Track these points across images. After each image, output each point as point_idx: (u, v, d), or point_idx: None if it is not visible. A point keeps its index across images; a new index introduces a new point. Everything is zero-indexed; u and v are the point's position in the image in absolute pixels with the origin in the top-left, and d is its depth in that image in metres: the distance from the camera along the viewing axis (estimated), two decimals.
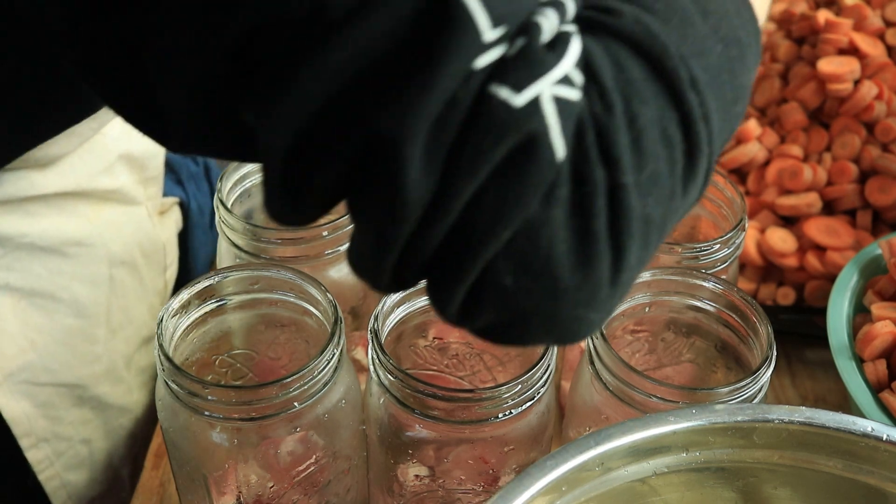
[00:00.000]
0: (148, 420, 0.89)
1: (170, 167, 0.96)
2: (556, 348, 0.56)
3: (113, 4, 0.38)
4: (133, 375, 0.86)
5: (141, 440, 0.89)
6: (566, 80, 0.35)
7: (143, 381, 0.88)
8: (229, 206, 0.67)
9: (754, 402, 0.55)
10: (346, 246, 0.66)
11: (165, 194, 0.93)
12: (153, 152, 0.86)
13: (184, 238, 0.97)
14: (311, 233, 0.64)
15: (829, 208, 0.91)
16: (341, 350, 0.57)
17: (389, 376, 0.55)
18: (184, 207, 0.96)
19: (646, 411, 0.55)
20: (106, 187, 0.81)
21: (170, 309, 0.58)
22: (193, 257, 0.97)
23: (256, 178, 0.70)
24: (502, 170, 0.34)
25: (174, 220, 0.94)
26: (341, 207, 0.39)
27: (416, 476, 0.60)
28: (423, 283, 0.39)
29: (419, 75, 0.33)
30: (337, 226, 0.65)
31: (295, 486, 0.60)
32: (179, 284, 0.96)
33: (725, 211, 0.69)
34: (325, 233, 0.64)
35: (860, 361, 0.71)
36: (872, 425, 0.48)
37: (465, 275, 0.36)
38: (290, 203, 0.38)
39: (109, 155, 0.80)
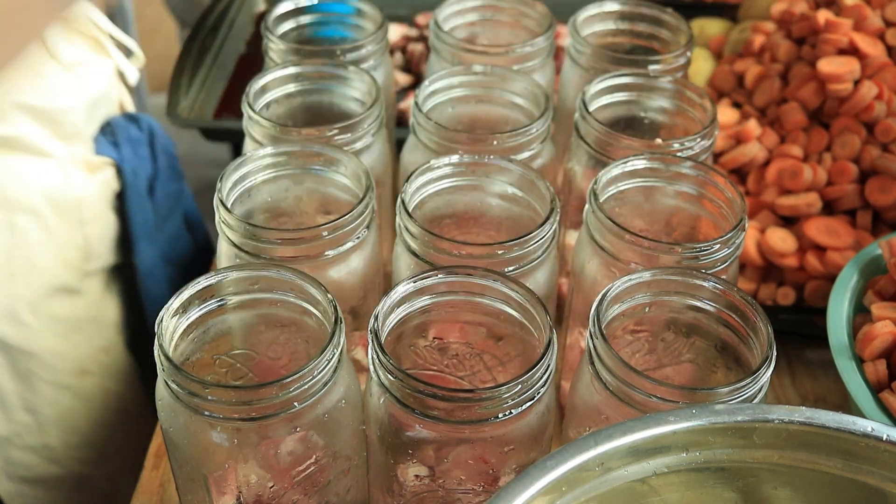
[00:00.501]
0: (75, 372, 0.93)
1: (108, 128, 0.99)
2: (556, 348, 0.56)
3: None
4: (42, 322, 0.89)
5: (69, 393, 0.93)
6: None
7: (58, 330, 0.91)
8: (229, 206, 0.67)
9: (754, 402, 0.55)
10: (346, 246, 0.66)
11: (98, 153, 0.95)
12: (67, 107, 0.89)
13: (121, 200, 0.99)
14: (311, 233, 0.64)
15: (829, 208, 0.91)
16: (341, 350, 0.57)
17: (389, 376, 0.55)
18: (119, 170, 0.97)
19: (646, 411, 0.55)
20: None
21: (170, 309, 0.58)
22: (131, 220, 0.99)
23: (256, 178, 0.70)
24: None
25: (104, 179, 0.96)
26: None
27: (416, 476, 0.60)
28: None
29: None
30: (337, 226, 0.65)
31: (295, 486, 0.60)
32: (118, 244, 1.00)
33: (725, 211, 0.69)
34: (324, 233, 0.64)
35: (860, 361, 0.71)
36: (872, 425, 0.48)
37: None
38: None
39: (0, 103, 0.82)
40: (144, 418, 1.00)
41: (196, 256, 1.13)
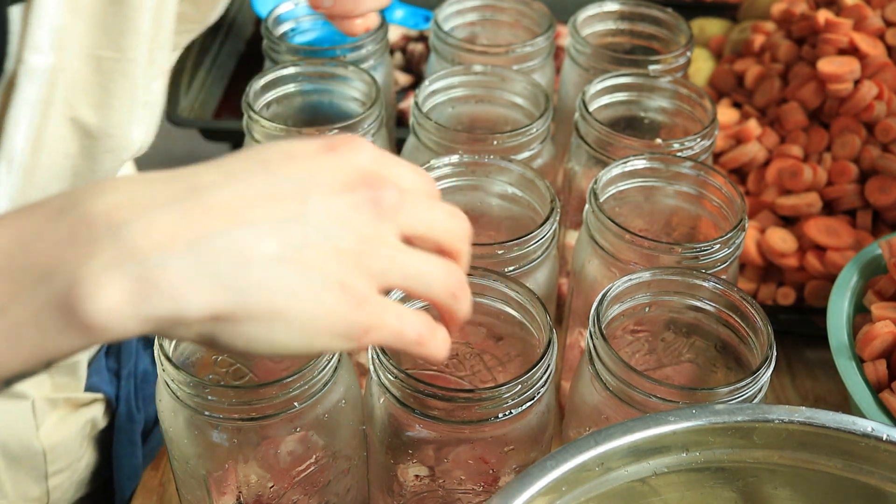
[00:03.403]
0: None
1: (114, 355, 0.81)
2: (556, 348, 0.56)
3: None
4: None
5: None
6: None
7: None
8: None
9: (754, 402, 0.55)
10: None
11: (90, 388, 0.78)
12: None
13: (106, 437, 0.82)
14: None
15: (829, 208, 0.91)
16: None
17: (389, 376, 0.55)
18: (110, 404, 0.80)
19: (646, 411, 0.55)
20: None
21: None
22: (115, 464, 0.82)
23: None
24: None
25: (88, 419, 0.79)
26: None
27: (416, 476, 0.60)
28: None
29: None
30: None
31: (295, 486, 0.60)
32: (93, 477, 0.82)
33: (725, 211, 0.69)
34: None
35: (860, 361, 0.71)
36: (872, 425, 0.48)
37: None
38: None
39: None
40: None
41: None
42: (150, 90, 0.71)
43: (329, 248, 0.40)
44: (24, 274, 0.36)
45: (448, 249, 0.45)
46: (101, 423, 0.80)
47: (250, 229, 0.39)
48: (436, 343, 0.44)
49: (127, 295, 0.36)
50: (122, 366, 0.80)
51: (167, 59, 0.73)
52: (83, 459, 0.79)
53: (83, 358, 0.75)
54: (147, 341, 0.83)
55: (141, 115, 0.71)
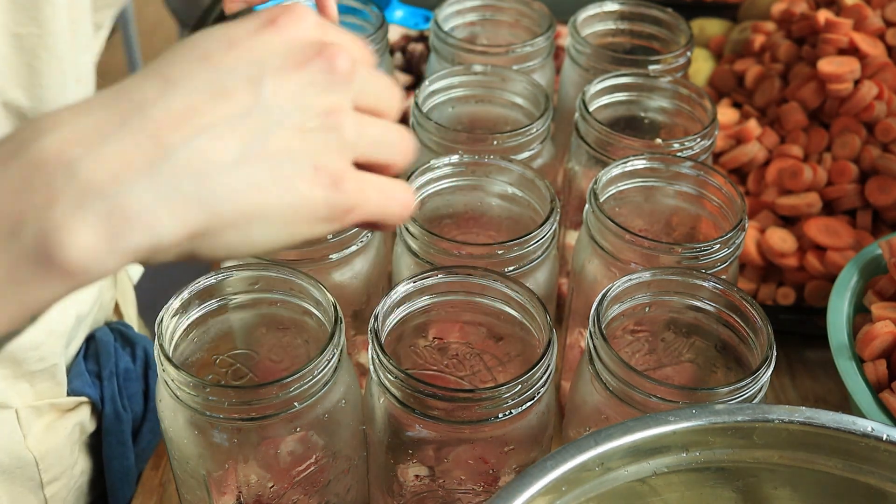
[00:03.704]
0: None
1: (92, 348, 0.80)
2: (556, 348, 0.56)
3: None
4: None
5: None
6: None
7: None
8: None
9: (754, 402, 0.55)
10: (351, 249, 0.66)
11: (73, 392, 0.77)
12: (32, 343, 0.71)
13: (97, 442, 0.81)
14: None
15: (829, 208, 0.91)
16: (341, 350, 0.57)
17: (389, 376, 0.55)
18: (95, 406, 0.79)
19: (646, 411, 0.55)
20: None
21: (170, 308, 0.58)
22: (106, 466, 0.80)
23: None
24: None
25: (76, 423, 0.77)
26: None
27: (416, 476, 0.60)
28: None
29: None
30: (340, 230, 0.65)
31: (295, 486, 0.60)
32: (92, 485, 0.82)
33: (725, 211, 0.69)
34: (329, 236, 0.64)
35: (860, 361, 0.71)
36: (872, 425, 0.48)
37: None
38: None
39: None
40: None
41: None
42: (78, 65, 0.69)
43: (293, 132, 0.39)
44: None
45: (389, 118, 0.44)
46: (89, 426, 0.79)
47: (206, 135, 0.38)
48: (412, 202, 0.45)
49: (101, 233, 0.35)
50: (103, 367, 0.79)
51: (91, 34, 0.72)
52: (77, 466, 0.79)
53: (61, 362, 0.75)
54: (125, 339, 0.83)
55: (74, 91, 0.69)
